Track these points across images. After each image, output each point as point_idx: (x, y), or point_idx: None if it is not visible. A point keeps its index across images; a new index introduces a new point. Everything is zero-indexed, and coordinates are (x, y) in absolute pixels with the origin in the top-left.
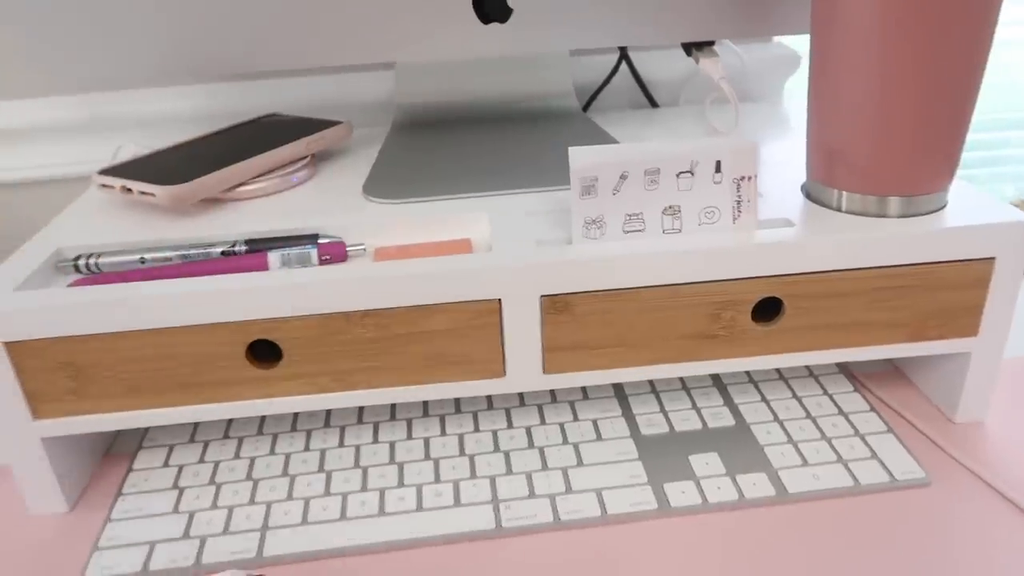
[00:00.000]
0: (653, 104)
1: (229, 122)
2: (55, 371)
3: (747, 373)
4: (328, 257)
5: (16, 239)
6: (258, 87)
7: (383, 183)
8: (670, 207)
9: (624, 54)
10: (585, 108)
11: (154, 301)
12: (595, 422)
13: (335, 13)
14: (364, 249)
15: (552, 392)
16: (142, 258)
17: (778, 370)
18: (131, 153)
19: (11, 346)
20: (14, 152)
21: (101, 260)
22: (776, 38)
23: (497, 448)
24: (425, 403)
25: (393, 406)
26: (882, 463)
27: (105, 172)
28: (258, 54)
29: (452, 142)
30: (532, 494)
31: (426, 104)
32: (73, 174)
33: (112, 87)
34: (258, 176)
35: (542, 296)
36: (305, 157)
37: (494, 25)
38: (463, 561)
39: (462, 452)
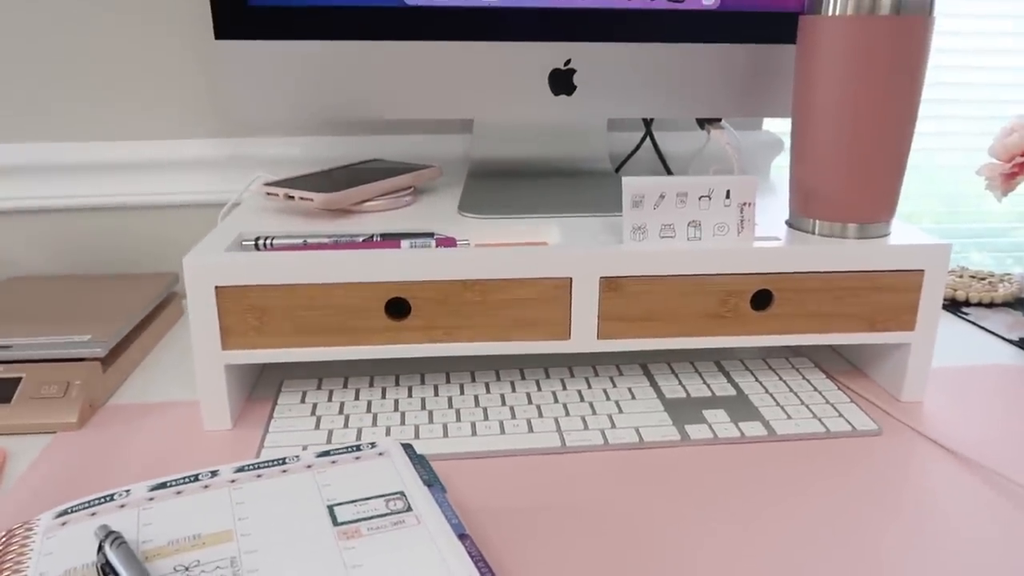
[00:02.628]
0: (668, 172)
1: (340, 164)
2: (245, 312)
3: (743, 363)
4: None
5: (168, 252)
6: (359, 142)
7: (474, 205)
8: (693, 221)
9: (648, 130)
10: (616, 171)
11: (320, 263)
12: (630, 388)
13: (441, 81)
14: (469, 244)
15: (594, 368)
16: (305, 240)
17: (767, 362)
18: (267, 180)
19: (220, 290)
20: (169, 178)
21: (275, 241)
22: (764, 127)
23: (557, 401)
24: (497, 372)
25: (472, 373)
26: (846, 419)
27: (269, 184)
28: (378, 106)
29: (518, 185)
30: (587, 428)
31: (496, 159)
32: (211, 201)
33: (250, 133)
34: (379, 196)
35: (601, 277)
36: (410, 187)
37: (561, 96)
38: (537, 467)
39: (530, 403)
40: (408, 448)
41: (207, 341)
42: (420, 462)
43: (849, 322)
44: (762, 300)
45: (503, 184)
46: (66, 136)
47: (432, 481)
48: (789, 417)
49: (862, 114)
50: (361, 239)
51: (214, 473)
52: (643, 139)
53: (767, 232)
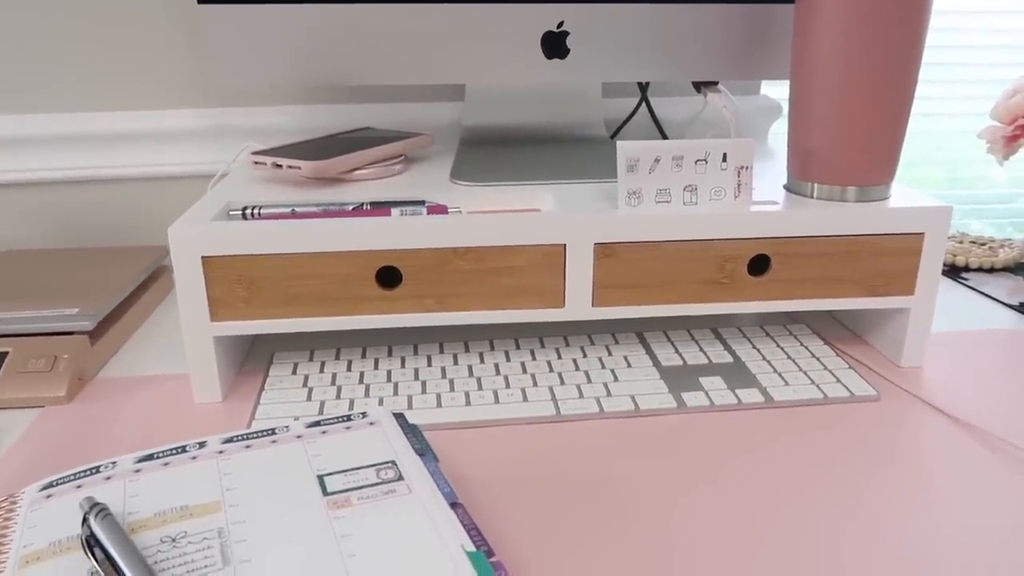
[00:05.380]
0: (664, 138)
1: (330, 133)
2: (233, 282)
3: (740, 330)
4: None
5: (156, 224)
6: (350, 109)
7: (465, 172)
8: (689, 185)
9: (644, 95)
10: (611, 138)
11: (309, 231)
12: (625, 357)
13: (430, 43)
14: (460, 211)
15: (590, 337)
16: (293, 209)
17: (764, 329)
18: (256, 150)
19: (206, 260)
20: (157, 149)
21: (263, 210)
22: (762, 91)
23: (552, 370)
24: (491, 341)
25: (466, 343)
26: (844, 385)
27: (257, 153)
28: (367, 69)
29: (510, 152)
30: (582, 396)
31: (488, 126)
32: (197, 172)
33: (239, 103)
34: (369, 164)
35: (595, 243)
36: (401, 155)
37: (555, 60)
38: (532, 436)
39: (525, 372)
40: (400, 417)
41: (195, 313)
42: (412, 431)
43: (848, 287)
44: (760, 265)
45: (496, 151)
46: (50, 107)
47: (424, 450)
48: (787, 384)
49: (861, 73)
50: (351, 207)
51: (202, 444)
52: (639, 104)
53: (765, 197)
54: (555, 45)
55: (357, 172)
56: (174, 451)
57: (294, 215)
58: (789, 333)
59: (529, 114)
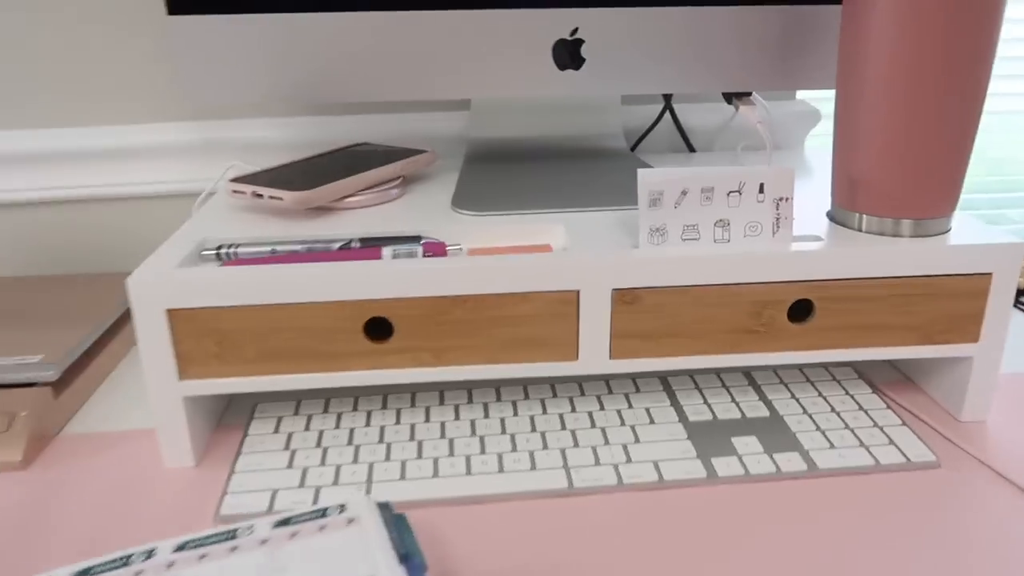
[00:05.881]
0: (691, 148)
1: (323, 150)
2: (203, 337)
3: (777, 374)
4: (431, 254)
5: (136, 247)
6: (345, 121)
7: (469, 199)
8: (721, 220)
9: (668, 104)
10: (632, 149)
11: (288, 280)
12: (647, 410)
13: (429, 54)
14: (461, 249)
15: (607, 384)
16: (273, 249)
17: (804, 372)
18: (239, 172)
19: (172, 313)
20: (134, 167)
21: (239, 250)
22: (799, 96)
23: (564, 427)
24: (498, 389)
25: (470, 391)
26: (898, 448)
27: (237, 180)
28: (359, 86)
29: (521, 170)
30: (598, 463)
31: (496, 139)
32: (183, 191)
33: (223, 115)
34: (362, 190)
35: (613, 289)
36: (399, 177)
37: (568, 71)
38: (540, 514)
39: (534, 429)
40: (384, 509)
41: (161, 371)
42: (398, 527)
43: (902, 334)
44: (801, 311)
45: (504, 170)
46: (17, 123)
47: (411, 552)
48: (832, 446)
49: (923, 87)
50: (337, 245)
51: (149, 554)
52: (662, 113)
53: (805, 228)
54: (568, 54)
55: (349, 199)
56: (117, 563)
57: (274, 257)
58: (832, 378)
59: (541, 126)
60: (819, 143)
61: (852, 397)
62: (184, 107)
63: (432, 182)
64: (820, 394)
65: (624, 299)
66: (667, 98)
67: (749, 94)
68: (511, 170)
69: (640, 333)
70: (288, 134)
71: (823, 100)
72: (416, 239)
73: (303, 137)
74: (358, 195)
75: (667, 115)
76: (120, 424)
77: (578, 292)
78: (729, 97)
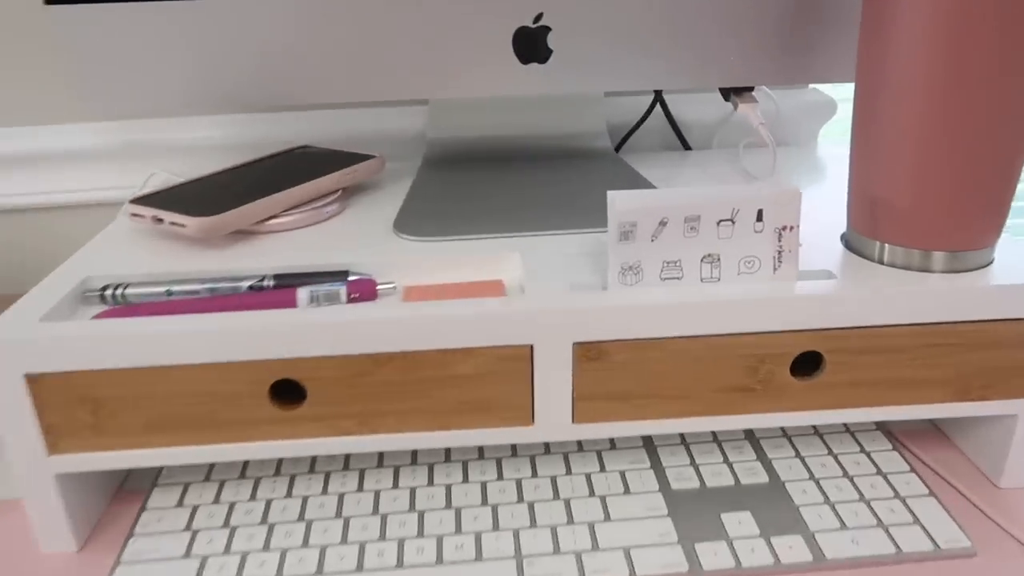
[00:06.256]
0: (686, 146)
1: (260, 152)
2: (74, 405)
3: (781, 428)
4: (357, 295)
5: (47, 264)
6: (290, 118)
7: (414, 220)
8: (709, 255)
9: (659, 96)
10: (617, 148)
11: (178, 337)
12: (623, 474)
13: (372, 49)
14: (394, 287)
15: (578, 440)
16: (169, 290)
17: (813, 426)
18: (162, 181)
19: (32, 379)
20: (45, 177)
21: (128, 291)
22: (811, 84)
23: (521, 498)
24: (447, 448)
25: (414, 451)
26: (924, 529)
27: (136, 201)
28: (293, 88)
29: (483, 179)
30: (557, 550)
31: (458, 140)
32: (104, 200)
33: (146, 115)
34: (289, 209)
35: (575, 343)
36: (337, 191)
37: (533, 65)
38: None
39: (485, 502)
40: None
41: (25, 445)
42: None
43: (931, 390)
44: (807, 364)
45: (463, 177)
46: None
47: None
48: (843, 525)
49: (968, 88)
50: (247, 284)
51: None
52: (651, 107)
53: (813, 257)
54: (532, 45)
55: (273, 221)
56: None
57: (169, 301)
58: (845, 429)
59: (509, 124)
60: (837, 131)
61: (869, 456)
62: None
63: (379, 193)
64: (830, 451)
65: (588, 355)
66: (657, 91)
67: (750, 89)
68: (472, 178)
69: (609, 394)
70: (221, 134)
71: (841, 86)
72: (343, 275)
73: (241, 137)
74: (284, 216)
75: (657, 108)
76: (4, 490)
77: (531, 347)
78: (727, 93)
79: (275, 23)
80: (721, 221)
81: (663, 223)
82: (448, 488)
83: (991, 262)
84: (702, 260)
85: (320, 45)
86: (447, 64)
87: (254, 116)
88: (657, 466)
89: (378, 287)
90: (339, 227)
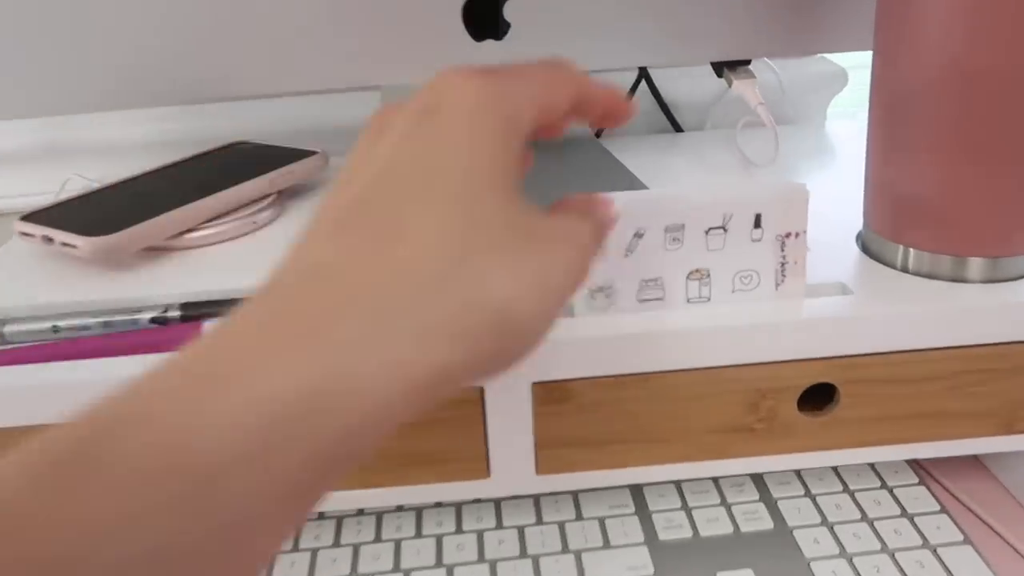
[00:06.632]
0: (677, 128)
1: (195, 149)
2: None
3: None
4: None
5: None
6: (229, 110)
7: None
8: (697, 271)
9: (643, 73)
10: (598, 133)
11: (53, 389)
12: (602, 521)
13: (314, 34)
14: None
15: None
16: (55, 326)
17: None
18: (81, 188)
19: None
20: None
21: (7, 329)
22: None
23: (482, 557)
24: None
25: None
26: None
27: (27, 218)
28: (230, 79)
29: None
30: None
31: None
32: (9, 209)
33: (60, 113)
34: (212, 219)
35: (534, 384)
36: (270, 195)
37: (488, 42)
38: None
39: (439, 562)
40: None
41: None
42: None
43: (967, 424)
44: (818, 398)
45: None
46: None
47: None
48: None
49: (1014, 60)
50: (149, 317)
51: None
52: (636, 83)
53: (822, 264)
54: (485, 20)
55: (191, 235)
56: None
57: (55, 341)
58: (866, 463)
59: None
60: (849, 102)
61: (892, 493)
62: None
63: (320, 195)
64: (846, 487)
65: (551, 396)
66: (642, 67)
67: (747, 63)
68: None
69: (578, 440)
70: (151, 130)
71: (853, 55)
72: None
73: (172, 133)
74: (206, 228)
75: (643, 86)
76: None
77: (481, 389)
78: (720, 68)
79: (202, 4)
80: (711, 229)
81: (639, 235)
82: (397, 544)
83: None
84: (688, 277)
85: (251, 29)
86: (391, 46)
87: (188, 109)
88: (643, 510)
89: None
90: (272, 238)
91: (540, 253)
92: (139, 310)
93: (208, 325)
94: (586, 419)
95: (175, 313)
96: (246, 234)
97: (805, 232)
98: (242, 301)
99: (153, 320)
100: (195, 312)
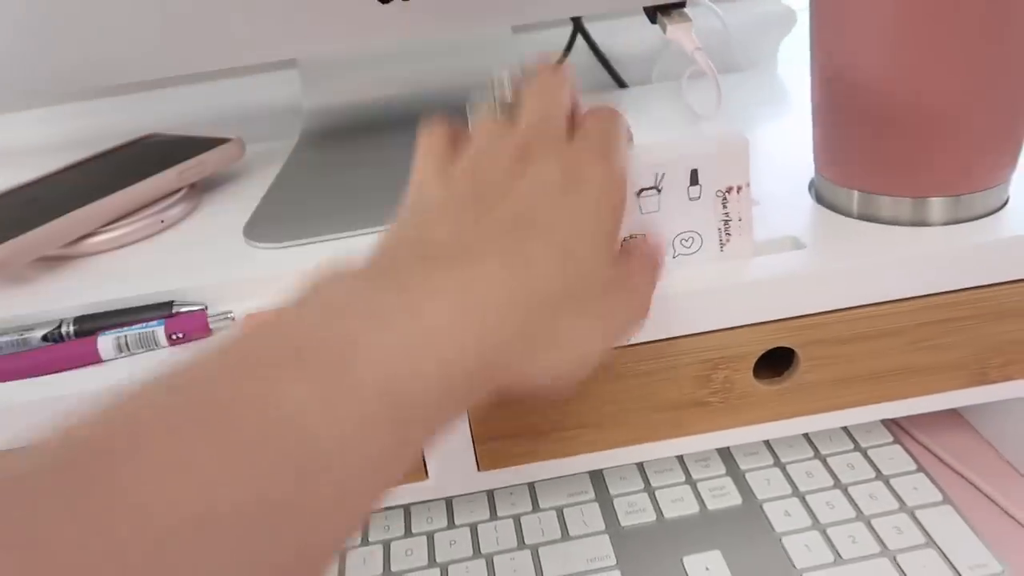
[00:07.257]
0: (620, 84)
1: (106, 145)
2: None
3: None
4: (181, 335)
5: None
6: (140, 100)
7: (272, 221)
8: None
9: (578, 25)
10: None
11: None
12: (560, 512)
13: (211, 9)
14: (232, 318)
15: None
16: None
17: None
18: None
19: None
20: None
21: None
22: None
23: (433, 561)
24: None
25: None
26: (942, 552)
27: None
28: (126, 63)
29: (371, 155)
30: None
31: (339, 106)
32: None
33: None
34: (114, 221)
35: None
36: (179, 190)
37: (395, 4)
38: None
39: (387, 566)
40: None
41: None
42: None
43: (937, 377)
44: (776, 364)
45: (345, 155)
46: None
47: None
48: (838, 558)
49: None
50: (41, 334)
51: None
52: (572, 39)
53: (774, 224)
54: None
55: (92, 239)
56: None
57: None
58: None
59: (399, 81)
60: (802, 47)
61: (865, 454)
62: None
63: (238, 185)
64: (817, 454)
65: None
66: (575, 18)
67: (682, 5)
68: (356, 154)
69: (520, 430)
70: (54, 130)
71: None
72: (167, 306)
73: (78, 130)
74: (107, 231)
75: (580, 41)
76: None
77: None
78: (652, 14)
79: None
80: (643, 191)
81: None
82: (341, 554)
83: (1005, 203)
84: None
85: (154, 10)
86: (296, 16)
87: (95, 103)
88: (603, 495)
89: (210, 320)
90: (180, 238)
91: (615, 303)
92: (29, 328)
93: (103, 341)
94: (525, 407)
95: (69, 329)
96: (154, 235)
97: (748, 185)
98: (418, 276)
99: (45, 338)
100: (91, 326)
